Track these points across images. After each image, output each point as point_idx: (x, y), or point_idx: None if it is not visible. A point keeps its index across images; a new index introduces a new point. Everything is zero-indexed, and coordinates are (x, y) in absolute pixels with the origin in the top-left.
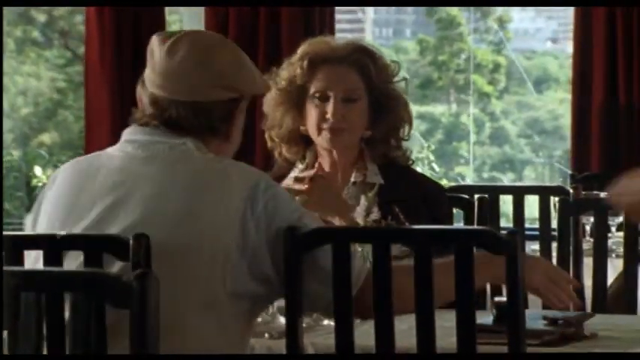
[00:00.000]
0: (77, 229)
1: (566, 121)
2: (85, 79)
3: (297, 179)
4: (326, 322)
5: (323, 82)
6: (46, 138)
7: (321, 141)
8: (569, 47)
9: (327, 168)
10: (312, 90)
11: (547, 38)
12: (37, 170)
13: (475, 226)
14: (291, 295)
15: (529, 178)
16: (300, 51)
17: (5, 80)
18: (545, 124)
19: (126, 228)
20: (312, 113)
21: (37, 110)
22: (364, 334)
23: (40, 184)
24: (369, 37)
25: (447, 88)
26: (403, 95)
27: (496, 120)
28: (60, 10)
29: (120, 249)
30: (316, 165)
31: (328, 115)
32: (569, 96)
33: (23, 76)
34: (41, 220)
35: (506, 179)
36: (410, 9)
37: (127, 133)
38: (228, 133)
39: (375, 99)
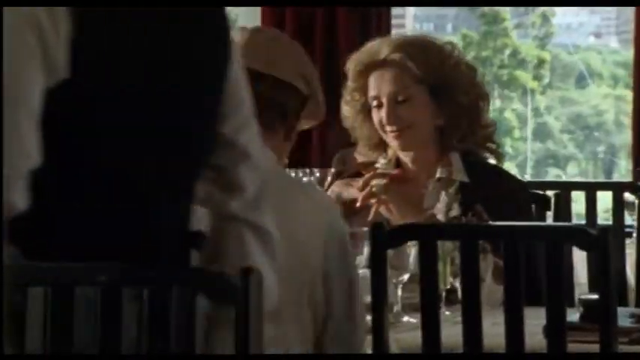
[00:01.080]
0: None
1: (610, 116)
2: None
3: (379, 175)
4: (406, 318)
5: (373, 89)
6: None
7: (392, 145)
8: (612, 42)
9: (410, 165)
10: (369, 99)
11: (590, 33)
12: None
13: (566, 223)
14: (376, 292)
15: (572, 175)
16: (348, 66)
17: None
18: (589, 119)
19: None
20: (375, 120)
21: None
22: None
23: None
24: (409, 33)
25: (491, 84)
26: (467, 74)
27: (540, 115)
28: None
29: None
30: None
31: (384, 121)
32: (612, 91)
33: None
34: None
35: (550, 175)
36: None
37: None
38: (290, 131)
39: (431, 87)
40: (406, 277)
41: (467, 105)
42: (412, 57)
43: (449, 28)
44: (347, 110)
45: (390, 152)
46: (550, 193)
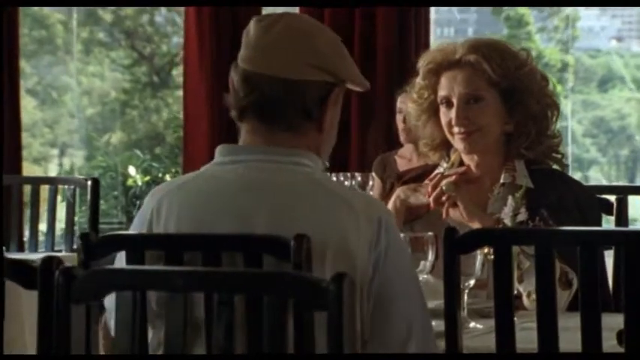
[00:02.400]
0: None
1: (632, 119)
2: (184, 82)
3: (444, 176)
4: (472, 324)
5: (444, 89)
6: (112, 138)
7: (458, 146)
8: (634, 45)
9: (474, 169)
10: (438, 99)
11: (611, 37)
12: (131, 170)
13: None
14: (449, 299)
15: (595, 179)
16: (420, 63)
17: (70, 81)
18: (612, 123)
19: None
20: (443, 121)
21: (103, 110)
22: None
23: (134, 183)
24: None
25: None
26: (539, 82)
27: (564, 119)
28: (127, 10)
29: (280, 249)
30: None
31: (453, 122)
32: (635, 95)
33: (88, 76)
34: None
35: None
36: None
37: (229, 151)
38: (322, 121)
39: (503, 92)
40: (472, 282)
41: (537, 113)
42: (488, 59)
43: (470, 32)
44: (412, 108)
45: (453, 156)
46: (614, 198)
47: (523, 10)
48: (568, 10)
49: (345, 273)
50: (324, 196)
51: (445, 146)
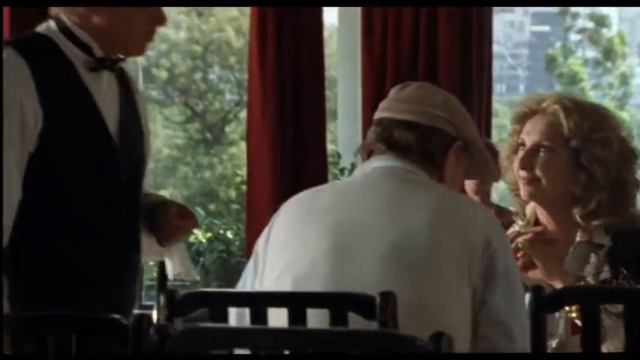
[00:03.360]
0: (309, 255)
1: None
2: (247, 138)
3: (520, 234)
4: None
5: (523, 133)
6: (166, 194)
7: (521, 192)
8: None
9: (549, 226)
10: (518, 142)
11: None
12: None
13: None
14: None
15: None
16: (517, 105)
17: None
18: None
19: (387, 247)
20: (514, 165)
21: (156, 167)
22: None
23: (196, 240)
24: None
25: None
26: (619, 155)
27: None
28: (181, 68)
29: (366, 307)
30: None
31: (518, 165)
32: None
33: None
34: (273, 239)
35: None
36: (524, 65)
37: (356, 170)
38: (443, 170)
39: (574, 150)
40: (555, 343)
41: (602, 184)
42: (567, 113)
43: (521, 88)
44: (504, 149)
45: (528, 213)
46: None
47: (577, 68)
48: (623, 68)
49: (443, 333)
50: (448, 199)
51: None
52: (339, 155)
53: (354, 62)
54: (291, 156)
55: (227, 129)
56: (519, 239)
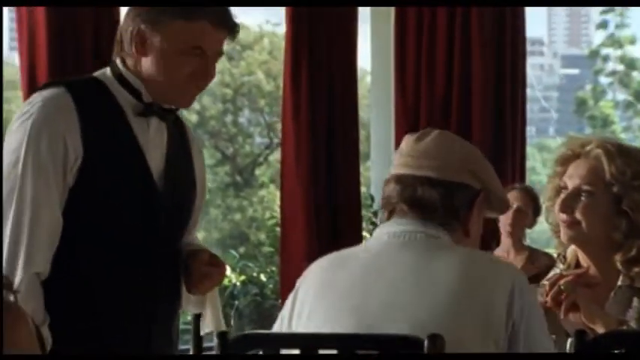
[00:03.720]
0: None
1: None
2: (281, 181)
3: (563, 276)
4: None
5: (566, 176)
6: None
7: (561, 235)
8: None
9: (590, 269)
10: (561, 185)
11: None
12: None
13: None
14: None
15: None
16: (560, 147)
17: None
18: None
19: (413, 324)
20: (555, 207)
21: None
22: None
23: (229, 283)
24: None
25: None
26: None
27: None
28: (211, 111)
29: (414, 348)
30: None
31: (559, 208)
32: None
33: None
34: (297, 309)
35: None
36: (555, 107)
37: (377, 231)
38: (468, 225)
39: (615, 196)
40: None
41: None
42: (610, 158)
43: (551, 131)
44: (548, 189)
45: (569, 257)
46: None
47: (608, 110)
48: None
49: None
50: (467, 261)
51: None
52: (372, 198)
53: (387, 104)
54: (325, 199)
55: (257, 172)
56: (562, 281)
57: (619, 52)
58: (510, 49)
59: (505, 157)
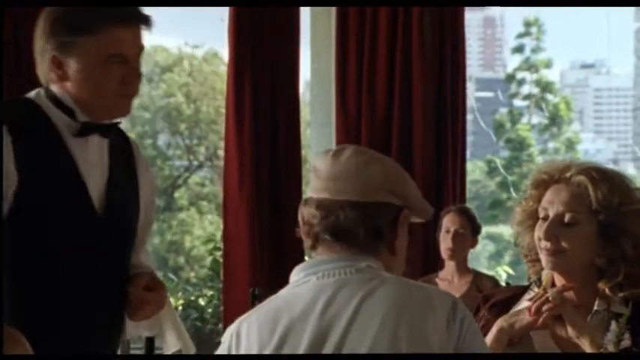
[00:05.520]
0: None
1: None
2: (224, 205)
3: (544, 295)
4: None
5: (545, 202)
6: None
7: (542, 261)
8: (629, 168)
9: (568, 295)
10: (539, 210)
11: (608, 159)
12: None
13: None
14: None
15: None
16: (536, 172)
17: None
18: None
19: None
20: (535, 234)
21: None
22: None
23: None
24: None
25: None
26: None
27: None
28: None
29: None
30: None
31: (541, 236)
32: None
33: None
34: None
35: None
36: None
37: (302, 268)
38: (393, 244)
39: (601, 223)
40: None
41: (630, 257)
42: (595, 185)
43: (467, 154)
44: (517, 212)
45: (544, 279)
46: None
47: (524, 133)
48: (569, 134)
49: None
50: (402, 293)
51: (537, 261)
52: None
53: (328, 124)
54: (268, 220)
55: (176, 194)
56: (550, 291)
57: (535, 76)
58: (450, 69)
59: (446, 174)
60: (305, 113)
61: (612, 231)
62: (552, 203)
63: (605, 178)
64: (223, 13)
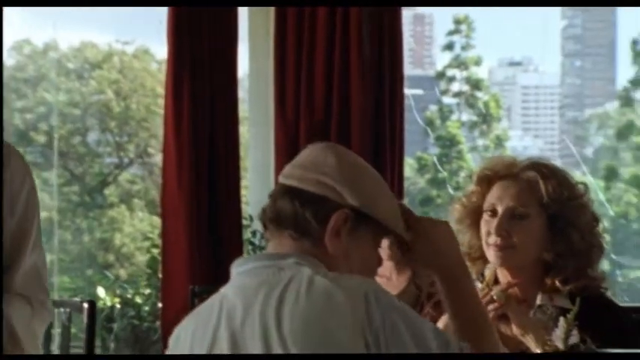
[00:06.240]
0: None
1: None
2: (162, 201)
3: (490, 291)
4: None
5: (493, 198)
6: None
7: (490, 257)
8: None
9: (512, 290)
10: (484, 206)
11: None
12: (100, 291)
13: None
14: None
15: None
16: (478, 168)
17: None
18: None
19: None
20: (482, 230)
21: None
22: None
23: (103, 304)
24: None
25: (446, 206)
26: (589, 220)
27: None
28: (61, 131)
29: None
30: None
31: (491, 231)
32: None
33: None
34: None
35: None
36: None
37: (237, 264)
38: (322, 241)
39: (550, 217)
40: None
41: (578, 250)
42: (545, 179)
43: None
44: (458, 210)
45: (487, 275)
46: None
47: (454, 130)
48: (497, 131)
49: None
50: (306, 293)
51: (483, 260)
52: (251, 218)
53: (266, 122)
54: (206, 219)
55: (106, 192)
56: (494, 290)
57: (465, 73)
58: (389, 68)
59: (385, 172)
60: (243, 112)
61: (561, 224)
62: (501, 199)
63: (554, 173)
64: (160, 12)
